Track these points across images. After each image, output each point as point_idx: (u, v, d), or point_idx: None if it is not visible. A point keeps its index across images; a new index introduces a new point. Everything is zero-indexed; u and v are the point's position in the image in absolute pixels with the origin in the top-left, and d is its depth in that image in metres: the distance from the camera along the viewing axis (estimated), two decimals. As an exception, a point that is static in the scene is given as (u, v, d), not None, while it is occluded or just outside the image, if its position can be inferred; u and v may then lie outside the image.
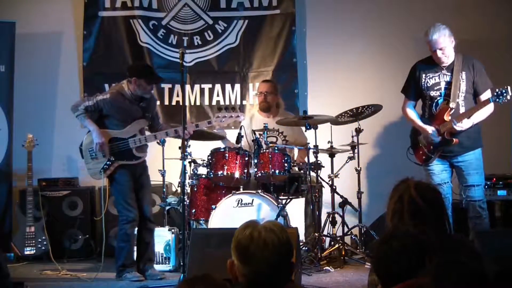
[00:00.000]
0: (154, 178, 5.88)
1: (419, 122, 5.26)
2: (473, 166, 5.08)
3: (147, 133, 5.55)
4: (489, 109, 5.05)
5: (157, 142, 5.81)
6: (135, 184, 5.41)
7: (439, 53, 5.07)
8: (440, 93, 5.12)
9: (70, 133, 6.94)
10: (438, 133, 5.12)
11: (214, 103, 7.10)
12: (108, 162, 5.30)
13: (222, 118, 5.39)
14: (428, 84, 5.19)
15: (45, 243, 6.23)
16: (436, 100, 5.16)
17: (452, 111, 5.05)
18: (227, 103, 7.01)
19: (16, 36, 6.69)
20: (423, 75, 5.18)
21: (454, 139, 5.02)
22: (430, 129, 5.13)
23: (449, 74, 5.09)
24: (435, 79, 5.17)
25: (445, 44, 5.04)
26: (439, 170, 5.15)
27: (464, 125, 4.98)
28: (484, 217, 5.05)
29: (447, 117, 5.06)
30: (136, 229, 5.41)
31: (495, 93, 4.83)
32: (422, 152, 5.24)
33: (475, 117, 5.02)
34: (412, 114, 5.33)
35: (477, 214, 5.04)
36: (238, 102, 7.06)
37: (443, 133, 5.08)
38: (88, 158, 5.39)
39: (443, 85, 5.11)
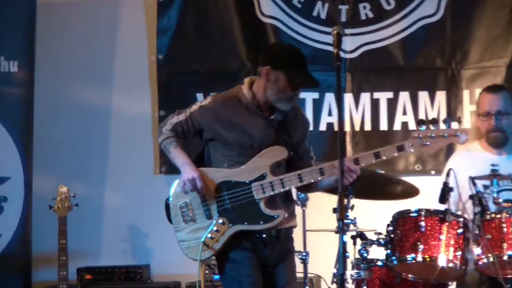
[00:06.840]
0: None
1: None
2: None
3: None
4: None
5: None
6: (265, 273, 4.67)
7: None
8: None
9: (139, 184, 6.47)
10: None
11: (398, 126, 6.43)
12: (214, 227, 4.63)
13: (426, 139, 4.68)
14: None
15: None
16: None
17: None
18: (423, 126, 6.31)
19: (37, 10, 6.10)
20: None
21: None
22: None
23: None
24: None
25: None
26: None
27: None
28: None
29: None
30: None
31: None
32: None
33: None
34: None
35: None
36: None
37: None
38: (180, 220, 4.82)
39: None
